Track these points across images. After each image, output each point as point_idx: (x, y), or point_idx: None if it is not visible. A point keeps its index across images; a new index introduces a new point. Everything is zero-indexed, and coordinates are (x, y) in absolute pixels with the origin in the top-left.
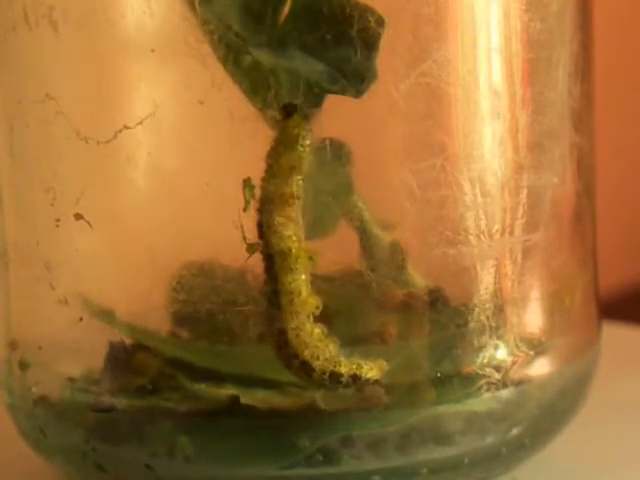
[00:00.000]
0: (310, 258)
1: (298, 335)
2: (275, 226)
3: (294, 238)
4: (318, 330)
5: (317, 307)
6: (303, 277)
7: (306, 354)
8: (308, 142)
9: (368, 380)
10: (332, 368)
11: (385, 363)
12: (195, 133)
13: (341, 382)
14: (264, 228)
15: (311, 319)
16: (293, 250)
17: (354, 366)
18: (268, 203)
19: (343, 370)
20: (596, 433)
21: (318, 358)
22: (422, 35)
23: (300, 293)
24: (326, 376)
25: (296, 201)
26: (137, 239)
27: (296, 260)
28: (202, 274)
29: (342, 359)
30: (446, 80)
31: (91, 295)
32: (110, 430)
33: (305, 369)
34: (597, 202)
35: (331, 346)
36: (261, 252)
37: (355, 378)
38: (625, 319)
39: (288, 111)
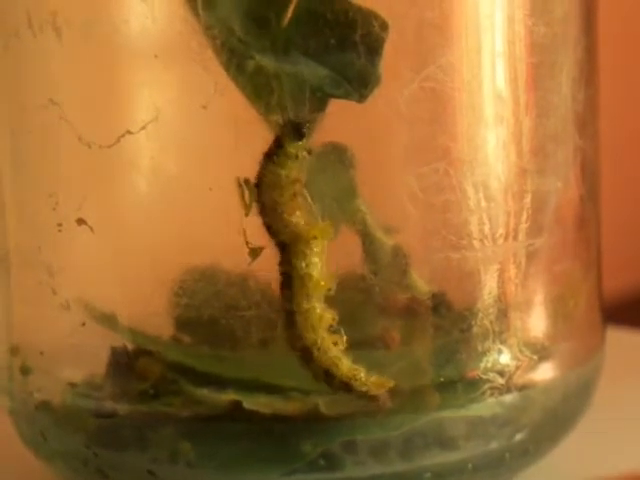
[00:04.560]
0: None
1: (319, 349)
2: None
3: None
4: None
5: (333, 319)
6: (316, 302)
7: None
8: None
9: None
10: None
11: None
12: (198, 138)
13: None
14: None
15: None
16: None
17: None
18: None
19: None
20: (600, 439)
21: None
22: (426, 40)
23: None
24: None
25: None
26: (139, 244)
27: (312, 282)
28: (204, 279)
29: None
30: (450, 85)
31: (93, 300)
32: (112, 435)
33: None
34: (601, 206)
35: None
36: (282, 274)
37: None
38: (629, 324)
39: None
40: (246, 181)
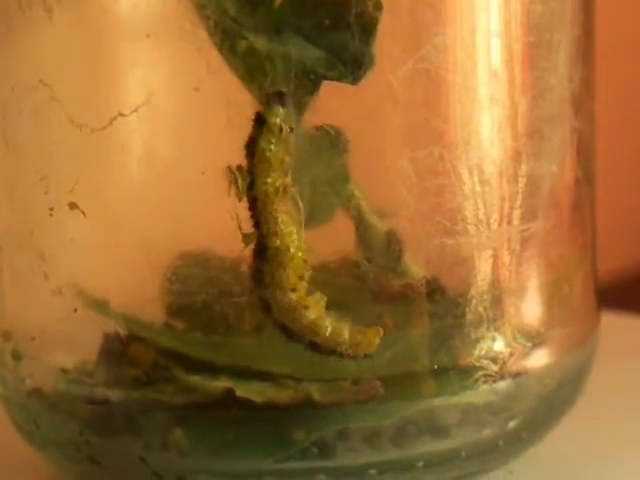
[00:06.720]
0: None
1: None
2: (279, 224)
3: (294, 237)
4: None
5: (305, 261)
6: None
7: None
8: (286, 133)
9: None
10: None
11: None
12: (190, 120)
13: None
14: (267, 224)
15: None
16: (292, 249)
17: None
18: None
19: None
20: (594, 424)
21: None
22: (421, 20)
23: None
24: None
25: (291, 190)
26: (132, 229)
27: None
28: (197, 265)
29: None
30: (445, 66)
31: (85, 286)
32: (104, 422)
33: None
34: (595, 188)
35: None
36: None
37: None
38: (622, 306)
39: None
40: (239, 167)
